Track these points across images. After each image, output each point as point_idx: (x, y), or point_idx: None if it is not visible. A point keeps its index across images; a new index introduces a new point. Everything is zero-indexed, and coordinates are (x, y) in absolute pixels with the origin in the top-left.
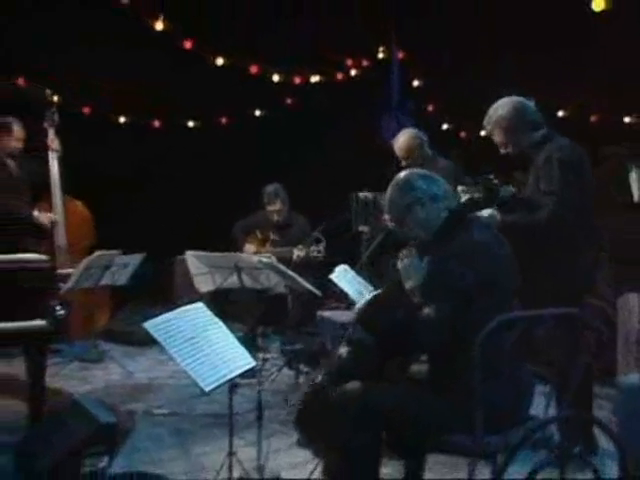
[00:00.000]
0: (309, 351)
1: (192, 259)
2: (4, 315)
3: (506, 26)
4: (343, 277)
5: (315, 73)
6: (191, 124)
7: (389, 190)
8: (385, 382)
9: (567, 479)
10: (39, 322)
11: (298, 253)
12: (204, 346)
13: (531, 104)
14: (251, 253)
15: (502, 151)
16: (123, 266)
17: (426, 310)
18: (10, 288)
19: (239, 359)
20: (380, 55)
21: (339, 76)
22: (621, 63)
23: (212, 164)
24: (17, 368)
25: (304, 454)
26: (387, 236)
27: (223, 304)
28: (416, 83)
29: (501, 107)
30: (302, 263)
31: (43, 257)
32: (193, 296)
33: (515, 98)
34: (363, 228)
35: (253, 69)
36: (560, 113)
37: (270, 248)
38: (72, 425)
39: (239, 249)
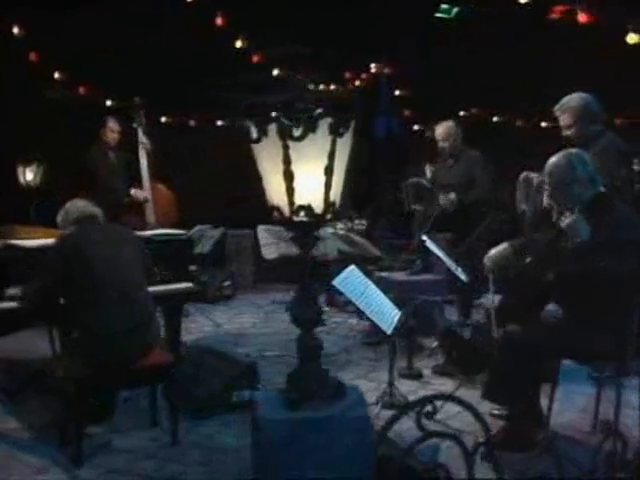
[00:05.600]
0: None
1: (262, 232)
2: (165, 279)
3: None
4: (432, 243)
5: (333, 84)
6: None
7: (552, 163)
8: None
9: None
10: (187, 284)
11: (342, 226)
12: (371, 299)
13: (596, 102)
14: None
15: (564, 133)
16: (210, 238)
17: (602, 264)
18: (167, 256)
19: (391, 308)
20: (373, 70)
21: (350, 86)
22: None
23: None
24: None
25: (413, 384)
26: (440, 213)
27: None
28: (398, 92)
29: (574, 99)
30: None
31: (182, 231)
32: (242, 261)
33: (585, 94)
34: (417, 207)
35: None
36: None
37: None
38: (221, 366)
39: None
